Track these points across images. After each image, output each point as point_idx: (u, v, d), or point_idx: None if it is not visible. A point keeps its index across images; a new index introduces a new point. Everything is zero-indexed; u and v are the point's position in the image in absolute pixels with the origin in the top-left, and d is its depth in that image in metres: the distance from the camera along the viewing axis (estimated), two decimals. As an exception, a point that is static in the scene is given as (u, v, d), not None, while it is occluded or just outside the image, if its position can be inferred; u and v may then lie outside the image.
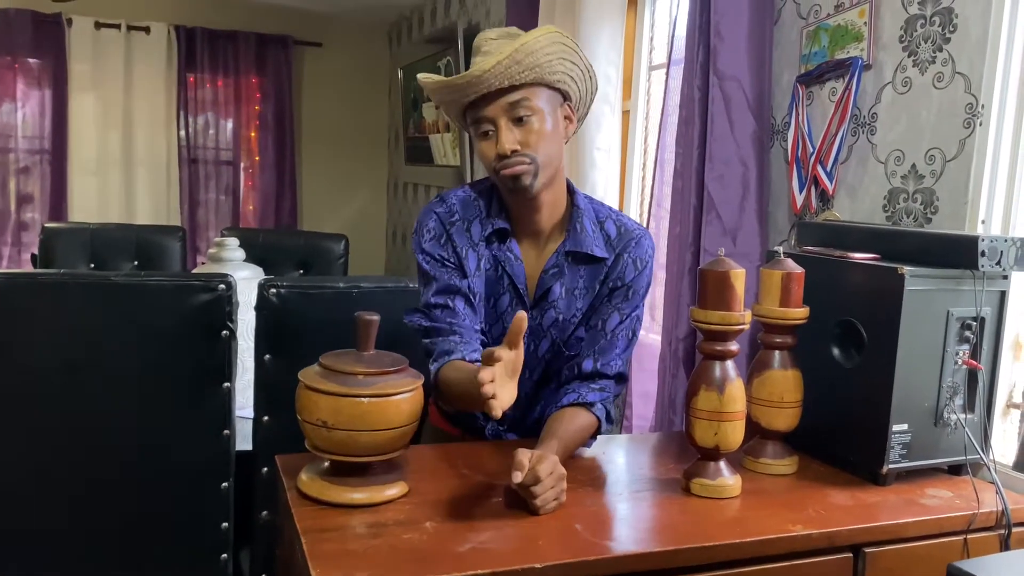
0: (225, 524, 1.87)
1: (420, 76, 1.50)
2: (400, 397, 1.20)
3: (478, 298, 1.49)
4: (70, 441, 1.77)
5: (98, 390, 1.76)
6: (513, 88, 1.38)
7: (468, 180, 4.09)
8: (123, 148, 5.12)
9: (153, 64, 5.13)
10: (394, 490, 1.23)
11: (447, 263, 1.47)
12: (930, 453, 1.42)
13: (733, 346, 1.31)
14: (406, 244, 5.38)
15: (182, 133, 5.23)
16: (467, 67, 1.40)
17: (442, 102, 1.48)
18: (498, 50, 1.37)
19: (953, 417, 1.41)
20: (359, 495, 1.20)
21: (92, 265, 3.13)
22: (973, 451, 1.42)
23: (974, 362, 1.41)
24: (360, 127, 5.71)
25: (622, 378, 1.50)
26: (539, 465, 1.17)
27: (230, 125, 5.44)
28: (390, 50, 5.70)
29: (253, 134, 5.51)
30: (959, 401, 1.42)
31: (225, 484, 1.86)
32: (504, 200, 1.49)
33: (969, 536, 1.31)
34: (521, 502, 1.20)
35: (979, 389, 1.43)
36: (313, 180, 5.67)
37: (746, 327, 1.31)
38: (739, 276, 1.29)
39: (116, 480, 1.80)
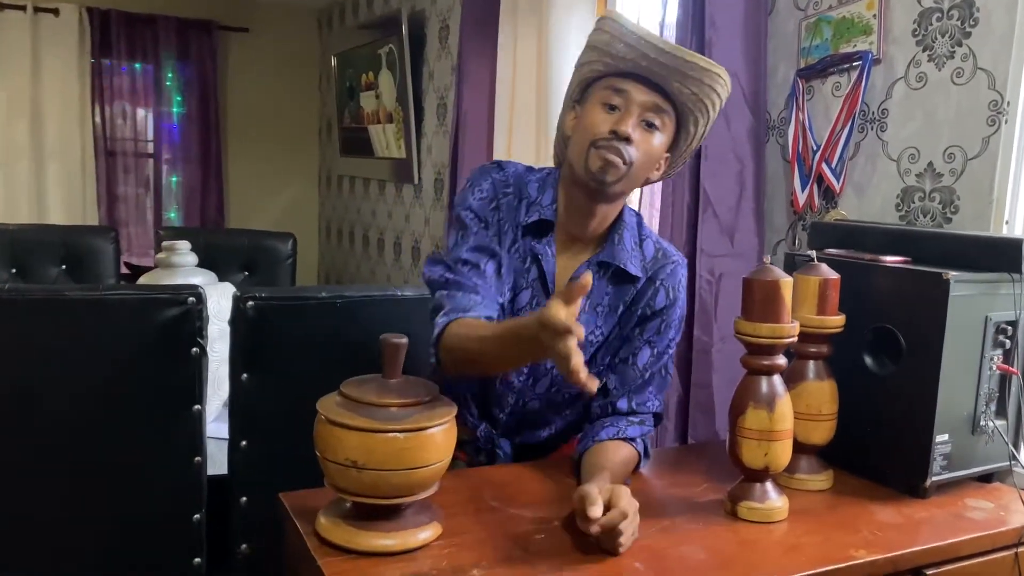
0: (198, 559, 1.70)
1: (615, 14, 1.30)
2: (436, 430, 1.07)
3: (505, 274, 1.37)
4: (23, 474, 1.57)
5: (53, 418, 1.57)
6: (667, 97, 1.29)
7: (415, 174, 3.92)
8: (32, 139, 4.75)
9: (63, 49, 4.76)
10: (428, 532, 1.10)
11: (490, 226, 1.36)
12: (967, 463, 1.37)
13: (781, 359, 1.23)
14: (342, 241, 5.18)
15: (97, 122, 4.89)
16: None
17: (607, 55, 1.29)
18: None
19: (990, 425, 1.37)
20: (391, 541, 1.07)
21: (13, 270, 2.85)
22: (1007, 458, 1.38)
23: (1010, 367, 1.38)
24: (290, 117, 5.46)
25: (659, 417, 1.42)
26: (620, 500, 1.06)
27: (150, 115, 5.11)
28: (320, 37, 5.47)
29: (175, 124, 5.20)
30: (994, 408, 1.39)
31: (197, 516, 1.69)
32: (560, 193, 1.38)
33: (1019, 550, 1.27)
34: (571, 537, 1.10)
35: (1011, 395, 1.40)
36: (240, 173, 5.39)
37: (795, 339, 1.23)
38: (788, 285, 1.21)
39: (76, 515, 1.61)
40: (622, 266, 1.37)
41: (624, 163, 1.28)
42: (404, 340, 1.10)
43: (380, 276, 4.52)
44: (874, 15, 1.67)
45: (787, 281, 1.21)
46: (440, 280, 1.34)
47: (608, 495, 1.07)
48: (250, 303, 1.61)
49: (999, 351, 1.37)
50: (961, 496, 1.36)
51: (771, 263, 1.24)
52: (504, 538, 1.13)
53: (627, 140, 1.27)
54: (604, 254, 1.38)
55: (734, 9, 1.89)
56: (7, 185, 4.72)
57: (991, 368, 1.37)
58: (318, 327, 1.69)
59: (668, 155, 1.38)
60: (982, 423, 1.37)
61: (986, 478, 1.43)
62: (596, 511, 1.03)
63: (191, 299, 1.60)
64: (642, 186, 1.42)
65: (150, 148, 5.16)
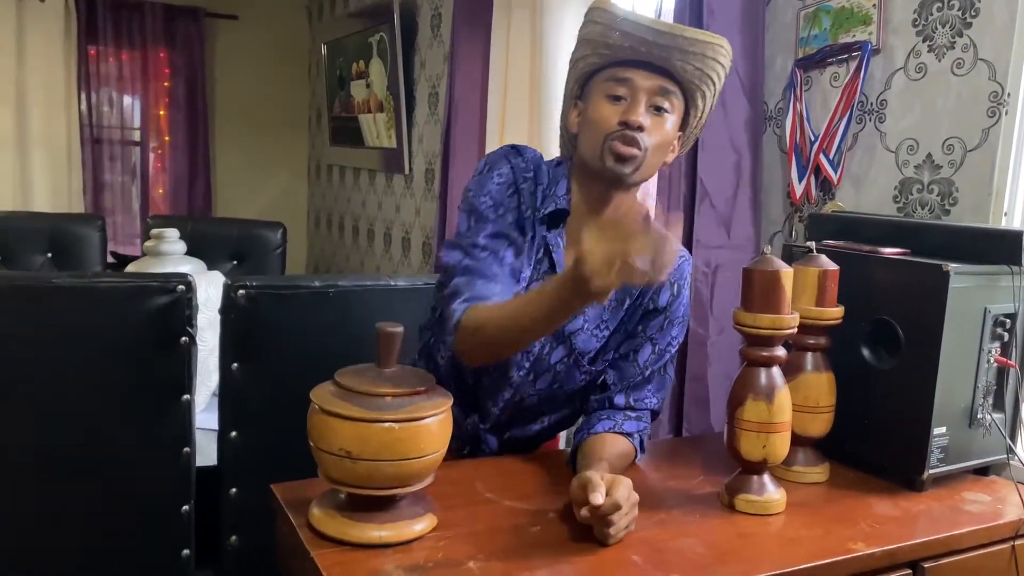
0: (186, 551, 1.68)
1: (605, 2, 1.27)
2: (431, 420, 1.05)
3: (524, 258, 1.34)
4: (6, 464, 1.54)
5: (39, 407, 1.54)
6: (672, 77, 1.27)
7: (406, 164, 3.89)
8: (16, 126, 4.68)
9: (49, 35, 4.69)
10: (422, 524, 1.08)
11: (508, 212, 1.32)
12: (964, 456, 1.36)
13: (780, 351, 1.22)
14: (331, 231, 5.14)
15: (83, 110, 4.83)
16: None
17: (603, 46, 1.26)
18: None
19: (988, 418, 1.37)
20: (385, 533, 1.05)
21: (-1, 259, 2.81)
22: (1004, 451, 1.38)
23: (1007, 360, 1.37)
24: (278, 106, 5.40)
25: (655, 414, 1.40)
26: (617, 490, 1.05)
27: (137, 102, 5.05)
28: (310, 25, 5.41)
29: (162, 112, 5.14)
30: (991, 401, 1.38)
31: (186, 507, 1.67)
32: (574, 186, 1.34)
33: (1016, 543, 1.26)
34: (567, 529, 1.08)
35: (1009, 387, 1.39)
36: (228, 162, 5.34)
37: (795, 330, 1.22)
38: (788, 276, 1.20)
39: (62, 507, 1.59)
40: None
41: (640, 153, 1.25)
42: (399, 329, 1.08)
43: (369, 267, 4.48)
44: (874, 5, 1.65)
45: (787, 272, 1.20)
46: (458, 265, 1.29)
47: (608, 484, 1.06)
48: (241, 292, 1.59)
49: (997, 344, 1.37)
50: (958, 489, 1.36)
51: (770, 254, 1.23)
52: (499, 530, 1.11)
53: (639, 129, 1.24)
54: None
55: (732, -3, 1.87)
56: (-9, 172, 4.66)
57: (989, 361, 1.36)
58: (310, 316, 1.67)
59: (680, 134, 1.35)
60: (979, 416, 1.36)
61: (983, 471, 1.43)
62: (598, 497, 1.02)
63: (180, 287, 1.57)
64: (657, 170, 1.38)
65: (136, 136, 5.11)
